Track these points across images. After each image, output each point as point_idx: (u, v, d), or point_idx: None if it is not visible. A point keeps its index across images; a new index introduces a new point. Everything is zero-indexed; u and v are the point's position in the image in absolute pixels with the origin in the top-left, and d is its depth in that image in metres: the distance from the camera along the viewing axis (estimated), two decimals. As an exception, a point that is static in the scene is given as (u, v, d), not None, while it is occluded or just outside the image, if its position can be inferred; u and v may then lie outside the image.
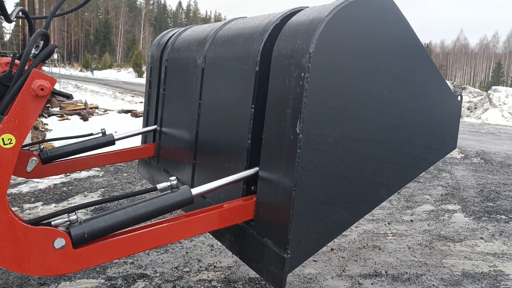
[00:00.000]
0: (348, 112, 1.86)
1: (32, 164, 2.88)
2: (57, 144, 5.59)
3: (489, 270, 3.72)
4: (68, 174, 6.43)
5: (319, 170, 1.80)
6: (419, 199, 5.83)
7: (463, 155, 9.07)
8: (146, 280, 3.31)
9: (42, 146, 3.07)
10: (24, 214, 4.75)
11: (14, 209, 4.69)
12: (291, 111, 1.76)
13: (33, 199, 5.35)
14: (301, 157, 1.71)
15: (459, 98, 2.35)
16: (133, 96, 21.46)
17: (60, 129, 10.26)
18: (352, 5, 1.75)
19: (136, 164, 7.17)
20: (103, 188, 5.92)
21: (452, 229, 4.73)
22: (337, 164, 1.87)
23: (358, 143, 1.93)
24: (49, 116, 12.21)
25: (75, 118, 12.33)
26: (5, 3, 1.79)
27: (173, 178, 1.85)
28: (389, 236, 4.46)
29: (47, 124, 10.97)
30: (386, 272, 3.61)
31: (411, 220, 4.98)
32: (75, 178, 6.35)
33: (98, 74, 55.08)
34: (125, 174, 6.69)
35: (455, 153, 9.18)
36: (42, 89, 1.50)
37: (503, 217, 5.17)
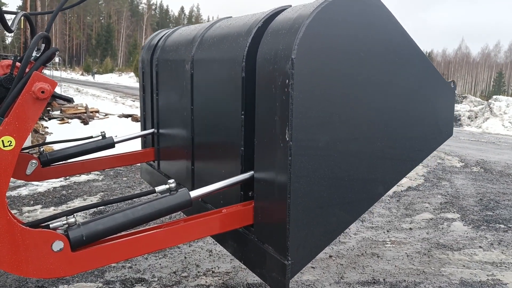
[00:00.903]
0: (338, 113, 1.84)
1: (32, 167, 2.88)
2: (56, 147, 5.61)
3: (487, 279, 3.71)
4: (67, 177, 6.43)
5: (312, 175, 1.80)
6: (418, 207, 5.82)
7: (463, 164, 9.07)
8: (144, 285, 3.30)
9: (42, 149, 3.08)
10: (23, 217, 4.75)
11: (13, 211, 4.68)
12: (279, 118, 1.74)
13: (32, 202, 5.34)
14: (293, 164, 1.71)
15: (452, 85, 2.31)
16: (134, 101, 21.49)
17: (61, 133, 10.28)
18: (332, 4, 1.71)
19: (136, 168, 7.18)
20: (102, 192, 5.91)
21: (451, 237, 4.72)
22: (330, 166, 1.86)
23: (350, 143, 1.91)
24: (49, 119, 12.22)
25: (76, 121, 12.35)
26: (7, 5, 1.80)
27: (171, 181, 1.85)
28: (388, 243, 4.45)
29: (48, 127, 10.98)
30: (384, 279, 3.60)
31: (410, 228, 4.97)
32: (74, 182, 6.35)
33: (99, 78, 55.19)
34: (124, 178, 6.69)
35: (455, 162, 9.18)
36: (42, 92, 1.51)
37: (502, 226, 5.16)
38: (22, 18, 2.10)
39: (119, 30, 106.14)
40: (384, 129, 2.03)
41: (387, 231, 4.84)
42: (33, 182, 5.95)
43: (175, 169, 3.04)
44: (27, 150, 3.09)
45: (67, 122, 12.14)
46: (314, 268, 3.73)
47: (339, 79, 1.81)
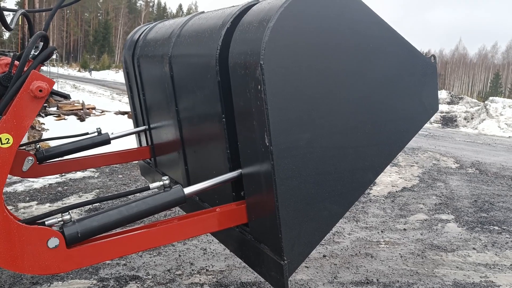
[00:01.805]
0: (316, 110, 1.82)
1: (28, 163, 2.89)
2: (52, 143, 5.61)
3: (481, 280, 3.75)
4: (63, 174, 6.43)
5: (298, 174, 1.80)
6: (412, 208, 5.86)
7: (458, 165, 9.12)
8: (138, 282, 3.32)
9: (38, 146, 3.09)
10: (19, 213, 4.75)
11: (8, 207, 4.68)
12: (256, 123, 1.74)
13: (27, 198, 5.35)
14: (276, 168, 1.71)
15: (432, 59, 2.26)
16: (131, 98, 21.41)
17: (57, 129, 10.26)
18: (296, 2, 1.67)
19: (131, 166, 7.18)
20: (98, 189, 5.92)
21: (444, 238, 4.76)
22: (315, 163, 1.85)
23: (333, 137, 1.90)
24: (46, 115, 12.19)
25: (72, 118, 12.33)
26: (5, 2, 1.81)
27: (165, 177, 1.87)
28: (381, 244, 4.48)
29: (44, 124, 10.95)
30: (377, 280, 3.63)
31: (404, 229, 5.00)
32: (70, 179, 6.35)
33: (96, 74, 54.99)
34: (120, 176, 6.69)
35: (450, 163, 9.23)
36: (40, 91, 1.52)
37: (496, 228, 5.20)
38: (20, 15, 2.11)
39: (116, 26, 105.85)
40: (367, 117, 2.00)
41: (381, 231, 4.87)
42: (28, 179, 5.95)
43: (171, 167, 3.05)
44: (23, 147, 3.10)
45: (64, 119, 12.11)
46: (307, 267, 3.76)
47: (313, 75, 1.78)
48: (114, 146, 3.49)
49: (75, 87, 27.47)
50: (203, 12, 2.60)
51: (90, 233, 1.67)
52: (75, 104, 13.89)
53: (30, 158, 2.92)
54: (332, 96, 1.86)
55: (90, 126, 10.67)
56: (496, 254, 4.36)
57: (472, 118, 19.34)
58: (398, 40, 2.08)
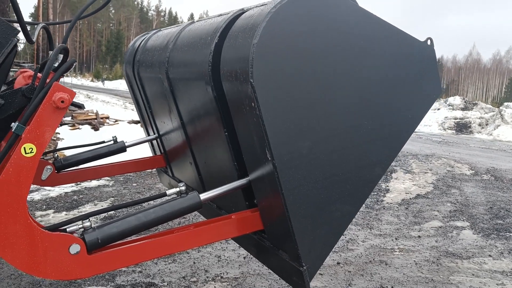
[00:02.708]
0: (314, 116, 1.80)
1: (47, 172, 2.95)
2: (68, 153, 5.71)
3: None
4: (78, 183, 6.52)
5: (304, 182, 1.80)
6: (427, 215, 5.81)
7: (473, 171, 9.02)
8: (154, 289, 3.35)
9: (56, 155, 3.15)
10: (36, 221, 4.83)
11: (26, 216, 4.77)
12: (256, 138, 1.74)
13: (44, 206, 5.44)
14: (282, 180, 1.72)
15: (428, 42, 2.18)
16: (143, 107, 21.62)
17: (71, 138, 10.40)
18: (278, 12, 1.63)
19: (145, 174, 7.26)
20: (112, 197, 5.99)
21: (460, 246, 4.71)
22: (320, 168, 1.84)
23: (334, 139, 1.88)
24: (61, 125, 12.39)
25: (86, 127, 12.50)
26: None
27: (181, 184, 1.91)
28: (396, 251, 4.46)
29: (59, 133, 11.13)
30: (392, 287, 3.60)
31: (419, 236, 4.97)
32: (85, 187, 6.44)
33: (109, 84, 55.71)
34: (134, 184, 6.77)
35: (465, 170, 9.13)
36: (62, 101, 1.57)
37: (512, 234, 5.14)
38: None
39: (128, 36, 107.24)
40: (367, 113, 1.97)
41: (396, 238, 4.84)
42: (45, 187, 6.05)
43: (185, 174, 3.09)
44: (42, 156, 3.17)
45: (78, 128, 12.29)
46: (322, 274, 3.75)
47: (305, 82, 1.75)
48: (129, 155, 3.54)
49: (89, 97, 27.85)
50: (193, 23, 2.56)
51: (109, 239, 1.71)
52: (89, 114, 14.09)
53: (48, 167, 2.98)
54: (328, 100, 1.84)
55: (104, 135, 10.81)
56: (513, 262, 4.31)
57: (486, 124, 19.12)
58: (390, 32, 2.02)
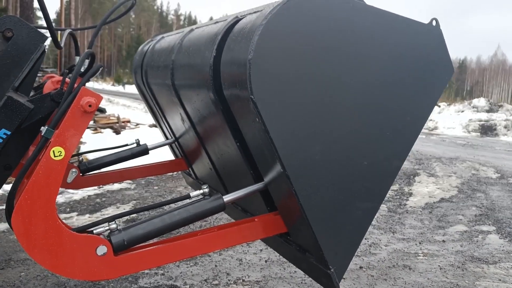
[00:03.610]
0: (322, 119, 1.74)
1: (72, 175, 3.01)
2: (91, 156, 5.81)
3: (526, 294, 3.60)
4: (101, 186, 6.63)
5: (321, 187, 1.77)
6: (451, 219, 5.70)
7: (499, 175, 8.80)
8: (176, 292, 3.37)
9: (81, 158, 3.21)
10: (60, 223, 4.92)
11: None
12: (265, 148, 1.72)
13: (68, 209, 5.54)
14: (297, 189, 1.70)
15: (434, 23, 2.06)
16: (163, 111, 21.86)
17: (94, 142, 10.58)
18: (271, 22, 1.56)
19: (166, 177, 7.33)
20: (134, 200, 6.07)
21: (486, 250, 4.59)
22: (335, 170, 1.81)
23: (346, 138, 1.82)
24: (84, 129, 12.60)
25: (108, 131, 12.70)
26: (41, 19, 1.92)
27: (205, 186, 1.92)
28: (420, 256, 4.38)
29: (82, 137, 11.35)
30: (416, 292, 3.54)
31: (443, 241, 4.87)
32: (107, 190, 6.54)
33: (130, 88, 56.47)
34: (155, 187, 6.84)
35: (490, 173, 8.92)
36: (89, 106, 1.60)
37: (541, 239, 4.99)
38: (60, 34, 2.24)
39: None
40: (378, 107, 1.90)
41: (419, 243, 4.76)
42: (68, 190, 6.17)
43: (208, 178, 3.11)
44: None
45: (100, 132, 12.50)
46: (344, 279, 3.71)
47: (309, 88, 1.70)
48: (151, 158, 3.58)
49: (110, 101, 28.32)
50: (192, 31, 2.53)
51: (135, 241, 1.74)
52: (111, 118, 14.33)
53: (74, 170, 3.04)
54: (335, 101, 1.78)
55: (125, 139, 10.96)
56: (542, 267, 4.18)
57: (512, 126, 18.65)
58: (393, 21, 1.92)
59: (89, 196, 6.19)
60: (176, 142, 3.38)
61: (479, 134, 18.40)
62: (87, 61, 1.97)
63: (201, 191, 1.91)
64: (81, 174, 3.12)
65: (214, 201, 1.90)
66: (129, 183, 6.98)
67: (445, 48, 2.10)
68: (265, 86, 1.59)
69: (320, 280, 1.97)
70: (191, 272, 3.73)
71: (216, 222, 5.05)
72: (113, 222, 1.74)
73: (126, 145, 3.46)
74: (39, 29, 1.84)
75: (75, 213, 5.38)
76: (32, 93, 2.31)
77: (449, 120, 20.27)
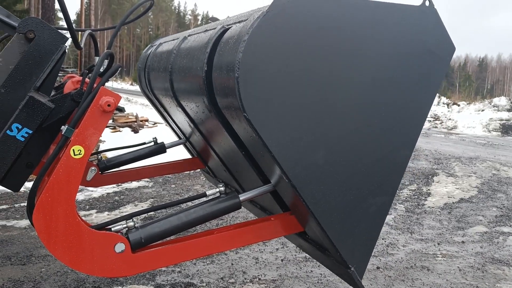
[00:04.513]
0: (322, 124, 1.70)
1: (92, 173, 3.06)
2: (109, 154, 5.89)
3: (548, 297, 3.52)
4: (119, 184, 6.72)
5: (329, 191, 1.75)
6: (471, 220, 5.60)
7: (520, 175, 8.61)
8: (193, 289, 3.40)
9: (100, 156, 3.27)
10: (80, 221, 5.01)
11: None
12: (267, 160, 1.70)
13: (87, 207, 5.64)
14: (305, 197, 1.69)
15: (427, 3, 1.96)
16: (181, 110, 22.02)
17: (112, 141, 10.75)
18: (256, 32, 1.50)
19: (183, 176, 7.39)
20: (152, 198, 6.13)
21: (507, 252, 4.50)
22: (342, 170, 1.78)
23: (350, 138, 1.78)
24: (103, 128, 12.79)
25: (127, 130, 12.86)
26: (62, 20, 1.96)
27: (221, 184, 1.93)
28: (438, 257, 4.32)
29: (101, 136, 11.52)
30: (435, 293, 3.50)
31: (463, 242, 4.79)
32: (126, 188, 6.62)
33: (148, 88, 56.91)
34: (173, 186, 6.90)
35: (511, 173, 8.73)
36: (108, 105, 1.63)
37: None
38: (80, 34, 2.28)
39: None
40: (379, 100, 1.84)
41: (438, 243, 4.69)
42: (88, 188, 6.27)
43: (224, 176, 3.13)
44: (87, 157, 3.28)
45: (119, 131, 12.67)
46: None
47: (305, 94, 1.64)
48: (168, 156, 3.62)
49: (128, 100, 28.64)
50: (185, 38, 2.49)
51: (152, 238, 1.76)
52: (129, 117, 14.50)
53: (93, 168, 3.09)
54: (332, 104, 1.72)
55: (143, 137, 11.10)
56: None
57: (534, 125, 18.20)
58: (384, 11, 1.83)
59: (108, 193, 6.29)
60: (188, 142, 3.41)
61: (500, 133, 18.02)
62: (106, 61, 2.00)
63: (217, 190, 1.93)
64: (100, 172, 3.17)
65: (230, 200, 1.91)
66: (147, 181, 7.07)
67: (443, 27, 2.02)
68: (257, 101, 1.54)
69: (343, 277, 1.99)
70: (208, 270, 3.76)
71: (232, 220, 5.07)
72: (131, 220, 1.77)
73: (144, 143, 3.50)
74: (59, 30, 1.88)
75: (94, 211, 5.47)
76: (53, 93, 2.36)
77: (468, 119, 19.91)
